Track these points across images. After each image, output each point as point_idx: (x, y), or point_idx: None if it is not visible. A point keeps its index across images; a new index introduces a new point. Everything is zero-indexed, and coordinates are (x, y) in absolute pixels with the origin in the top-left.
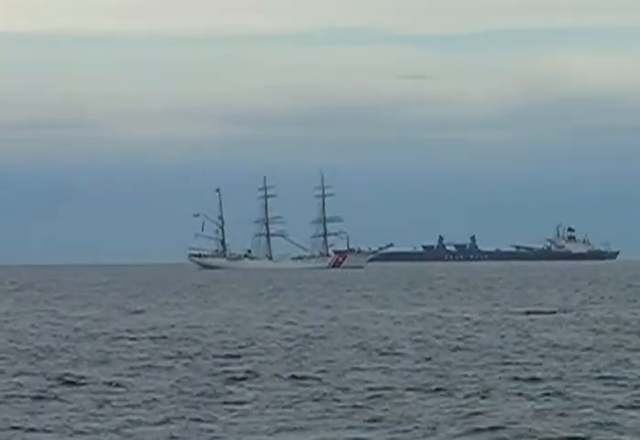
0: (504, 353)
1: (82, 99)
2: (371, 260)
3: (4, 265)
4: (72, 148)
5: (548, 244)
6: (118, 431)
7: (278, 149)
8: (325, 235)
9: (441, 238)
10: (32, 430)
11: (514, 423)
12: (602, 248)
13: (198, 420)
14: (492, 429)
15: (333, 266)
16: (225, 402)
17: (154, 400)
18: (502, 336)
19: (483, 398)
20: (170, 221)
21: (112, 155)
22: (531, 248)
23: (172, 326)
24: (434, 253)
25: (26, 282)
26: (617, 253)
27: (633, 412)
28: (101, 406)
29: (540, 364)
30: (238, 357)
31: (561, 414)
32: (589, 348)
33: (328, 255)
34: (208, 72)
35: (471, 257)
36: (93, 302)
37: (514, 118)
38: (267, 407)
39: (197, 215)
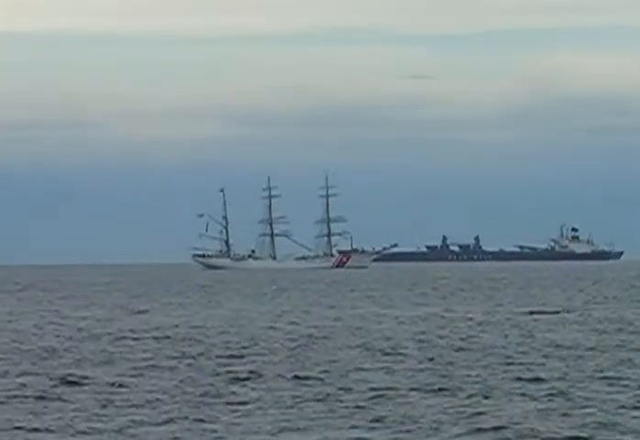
0: (507, 353)
1: (82, 99)
2: (375, 260)
3: (4, 265)
4: (72, 148)
5: (552, 244)
6: (121, 431)
7: (278, 149)
8: (329, 235)
9: (445, 239)
10: (35, 430)
11: (517, 423)
12: (606, 249)
13: (201, 420)
14: (495, 429)
15: (337, 266)
16: (228, 403)
17: (157, 400)
18: (506, 336)
19: (486, 398)
20: (170, 221)
21: (112, 155)
22: (535, 249)
23: (176, 326)
24: (437, 253)
25: (29, 282)
26: (621, 253)
27: (636, 413)
28: (104, 406)
29: (543, 364)
30: (242, 357)
31: (564, 414)
32: (592, 348)
33: (332, 255)
34: (208, 72)
35: (475, 257)
36: (96, 303)
37: (515, 118)
38: (270, 407)
39: (201, 216)
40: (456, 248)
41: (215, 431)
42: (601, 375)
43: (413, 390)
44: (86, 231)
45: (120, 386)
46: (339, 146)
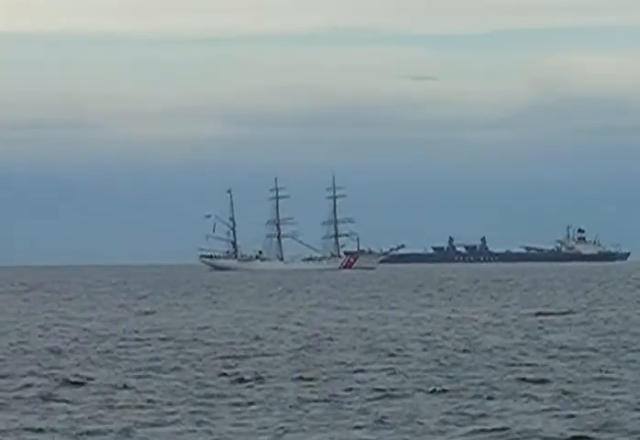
0: (513, 354)
1: (82, 99)
2: (382, 262)
3: (4, 265)
4: (72, 148)
5: (559, 245)
6: (126, 432)
7: (278, 150)
8: (336, 236)
9: (451, 240)
10: (40, 431)
11: (522, 424)
12: (613, 250)
13: (206, 421)
14: (500, 430)
15: (344, 267)
16: (233, 403)
17: (162, 401)
18: (511, 338)
19: (491, 399)
20: (170, 221)
21: (112, 155)
22: (541, 250)
23: (181, 328)
24: (444, 254)
25: (35, 283)
26: (628, 254)
27: None
28: (109, 407)
29: (548, 365)
30: (247, 358)
31: (569, 416)
32: (597, 350)
33: (339, 256)
34: (208, 72)
35: (481, 258)
36: (101, 304)
37: (515, 118)
38: (275, 408)
39: (208, 217)
40: (462, 250)
41: (219, 432)
42: (607, 376)
43: (418, 390)
44: (86, 231)
45: (125, 387)
46: (339, 146)
